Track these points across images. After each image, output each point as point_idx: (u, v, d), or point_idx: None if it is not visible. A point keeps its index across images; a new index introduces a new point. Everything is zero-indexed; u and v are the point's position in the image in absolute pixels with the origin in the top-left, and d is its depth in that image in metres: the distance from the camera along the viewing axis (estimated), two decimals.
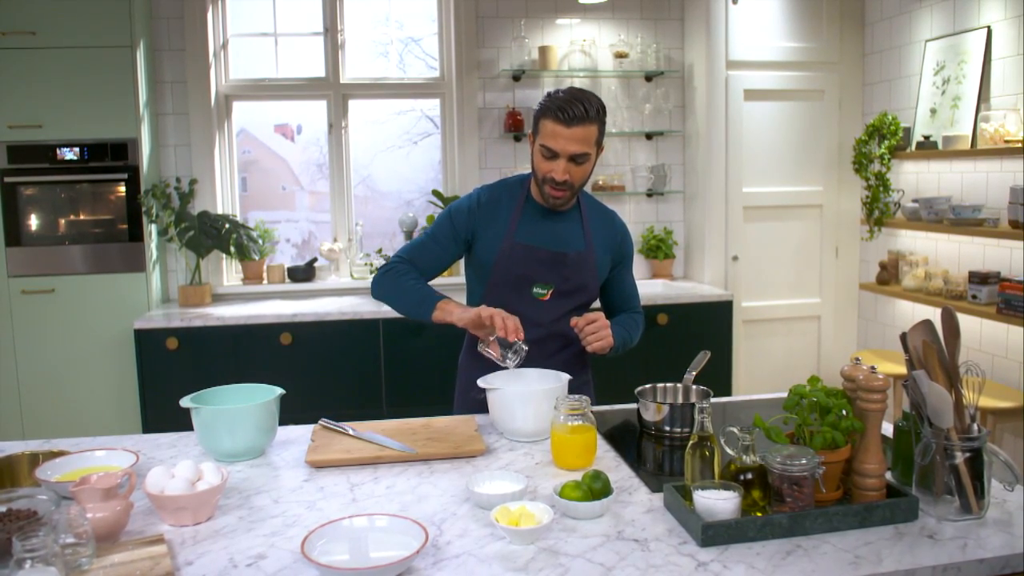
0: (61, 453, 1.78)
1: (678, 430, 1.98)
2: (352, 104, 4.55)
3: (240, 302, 4.22)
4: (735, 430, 1.52)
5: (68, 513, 1.30)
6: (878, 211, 4.29)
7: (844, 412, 1.54)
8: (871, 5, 4.51)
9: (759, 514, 1.46)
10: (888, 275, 4.31)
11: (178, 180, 4.26)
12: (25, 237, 3.88)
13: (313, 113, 4.61)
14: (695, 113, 4.55)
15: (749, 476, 1.48)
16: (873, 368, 1.56)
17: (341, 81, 4.49)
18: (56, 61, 3.78)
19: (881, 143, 4.21)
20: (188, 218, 4.07)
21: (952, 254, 4.02)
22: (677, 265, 4.78)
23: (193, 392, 1.90)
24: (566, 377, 2.00)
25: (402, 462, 1.83)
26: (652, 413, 2.01)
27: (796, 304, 4.70)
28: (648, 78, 4.61)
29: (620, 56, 4.53)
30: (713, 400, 2.17)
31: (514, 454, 1.87)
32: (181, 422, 1.98)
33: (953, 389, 1.52)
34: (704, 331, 4.10)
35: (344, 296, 4.32)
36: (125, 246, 3.96)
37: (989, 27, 3.69)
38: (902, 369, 3.83)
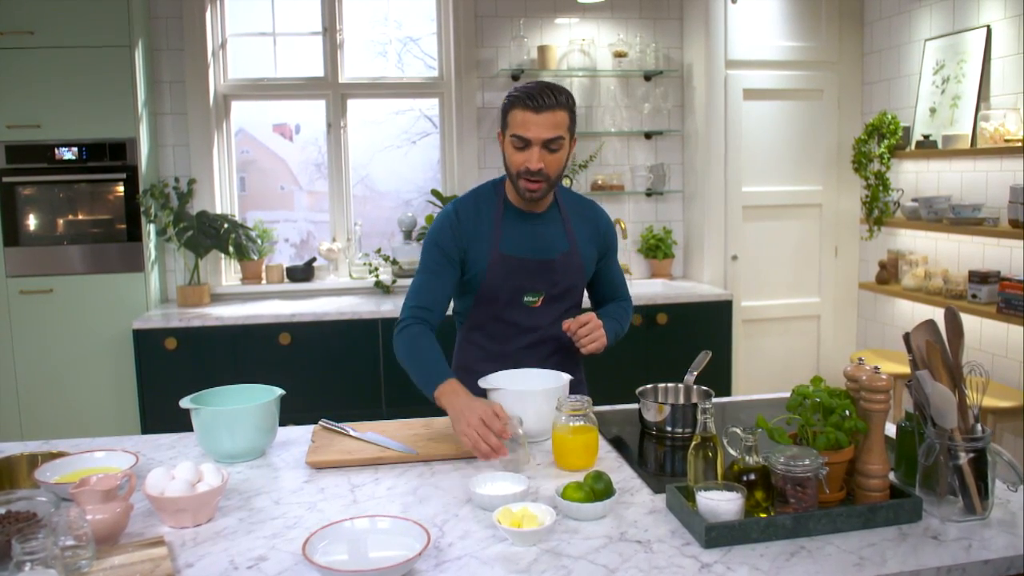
0: (60, 454, 1.77)
1: (680, 430, 1.98)
2: (351, 104, 4.54)
3: (239, 302, 4.21)
4: (738, 431, 1.51)
5: (68, 515, 1.29)
6: (877, 210, 4.28)
7: (847, 412, 1.54)
8: (870, 4, 4.51)
9: (762, 515, 1.46)
10: (888, 274, 4.31)
11: (176, 180, 4.25)
12: (23, 237, 3.86)
13: (312, 113, 4.60)
14: (694, 112, 4.55)
15: (752, 477, 1.48)
16: (876, 368, 1.56)
17: (340, 81, 4.48)
18: (54, 61, 3.77)
19: (880, 142, 4.20)
20: (187, 218, 4.06)
21: (952, 253, 4.02)
22: (676, 265, 4.77)
23: (192, 392, 1.90)
24: (567, 377, 2.00)
25: (403, 463, 1.82)
26: (654, 413, 2.00)
27: (795, 304, 4.70)
28: (647, 77, 4.61)
29: (619, 55, 4.52)
30: (713, 400, 2.17)
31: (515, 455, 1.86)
32: (180, 423, 1.97)
33: (957, 389, 1.52)
34: (703, 331, 4.09)
35: (343, 296, 4.31)
36: (123, 246, 3.95)
37: (989, 26, 3.68)
38: (902, 369, 3.83)
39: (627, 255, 4.70)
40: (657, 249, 4.65)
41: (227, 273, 4.44)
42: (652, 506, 1.57)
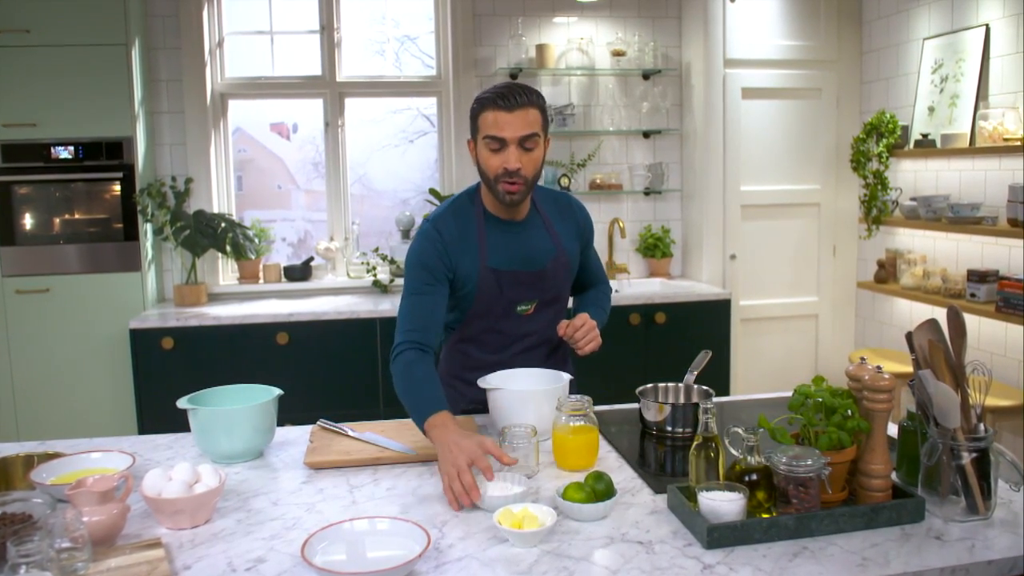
0: (56, 455, 1.76)
1: (680, 430, 1.97)
2: (348, 103, 4.52)
3: (236, 301, 4.19)
4: (740, 430, 1.51)
5: (64, 517, 1.28)
6: (876, 209, 4.28)
7: (850, 412, 1.53)
8: (869, 3, 4.50)
9: (765, 516, 1.45)
10: (886, 273, 4.30)
11: (173, 179, 4.23)
12: (20, 237, 3.85)
13: (309, 112, 4.59)
14: (693, 111, 4.54)
15: (754, 477, 1.47)
16: (879, 368, 1.55)
17: (337, 79, 4.46)
18: (50, 59, 3.75)
19: (879, 141, 4.20)
20: (184, 217, 4.05)
21: (950, 252, 4.01)
22: (675, 264, 4.77)
23: (189, 392, 1.88)
24: (567, 377, 1.99)
25: (402, 463, 1.81)
26: (654, 413, 1.99)
27: (794, 303, 4.69)
28: (646, 76, 4.60)
29: (617, 54, 4.51)
30: (714, 400, 2.16)
31: (515, 455, 1.84)
32: (177, 423, 1.96)
33: (959, 389, 1.51)
34: (702, 330, 4.09)
35: (341, 295, 4.30)
36: (120, 245, 3.93)
37: (987, 25, 3.68)
38: (901, 368, 3.83)
39: (625, 254, 4.70)
40: (655, 248, 4.64)
41: (224, 272, 4.42)
42: (653, 506, 1.56)
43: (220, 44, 4.36)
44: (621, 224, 4.48)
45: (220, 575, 1.32)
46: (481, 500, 1.54)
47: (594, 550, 1.38)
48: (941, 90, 3.94)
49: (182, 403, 1.83)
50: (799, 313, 4.70)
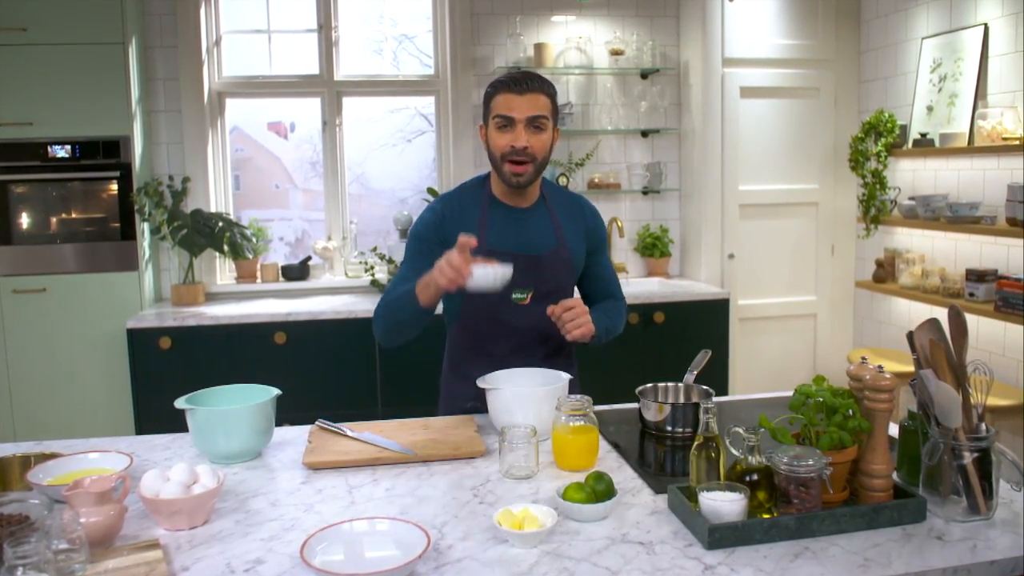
0: (53, 455, 1.75)
1: (680, 430, 1.96)
2: (346, 102, 4.51)
3: (234, 301, 4.18)
4: (740, 430, 1.50)
5: (61, 518, 1.27)
6: (874, 209, 4.28)
7: (851, 412, 1.52)
8: (867, 2, 4.50)
9: (766, 516, 1.44)
10: (884, 273, 4.30)
11: (171, 178, 4.22)
12: (16, 236, 3.83)
13: (307, 111, 4.58)
14: (691, 111, 4.53)
15: (755, 477, 1.47)
16: (880, 367, 1.54)
17: (335, 78, 4.45)
18: (47, 58, 3.74)
19: (878, 140, 4.20)
20: (181, 216, 4.03)
21: (949, 252, 4.01)
22: (673, 263, 4.76)
23: (187, 392, 1.87)
24: (567, 377, 1.98)
25: (401, 463, 1.80)
26: (654, 413, 1.99)
27: (792, 302, 4.69)
28: (644, 75, 4.59)
29: (616, 53, 4.51)
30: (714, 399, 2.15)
31: (515, 455, 1.84)
32: (175, 423, 1.95)
33: (960, 388, 1.50)
34: (700, 329, 4.08)
35: (339, 295, 4.29)
36: (117, 245, 3.92)
37: (986, 24, 3.68)
38: (900, 367, 3.82)
39: (624, 253, 4.69)
40: (654, 248, 4.64)
41: (222, 272, 4.41)
42: (654, 507, 1.56)
43: (217, 43, 4.34)
44: (619, 223, 4.48)
45: None
46: (471, 278, 1.76)
47: (594, 551, 1.37)
48: (940, 89, 3.94)
49: (180, 403, 1.82)
50: (797, 312, 4.70)
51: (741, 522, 1.39)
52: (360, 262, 4.46)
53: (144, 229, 4.01)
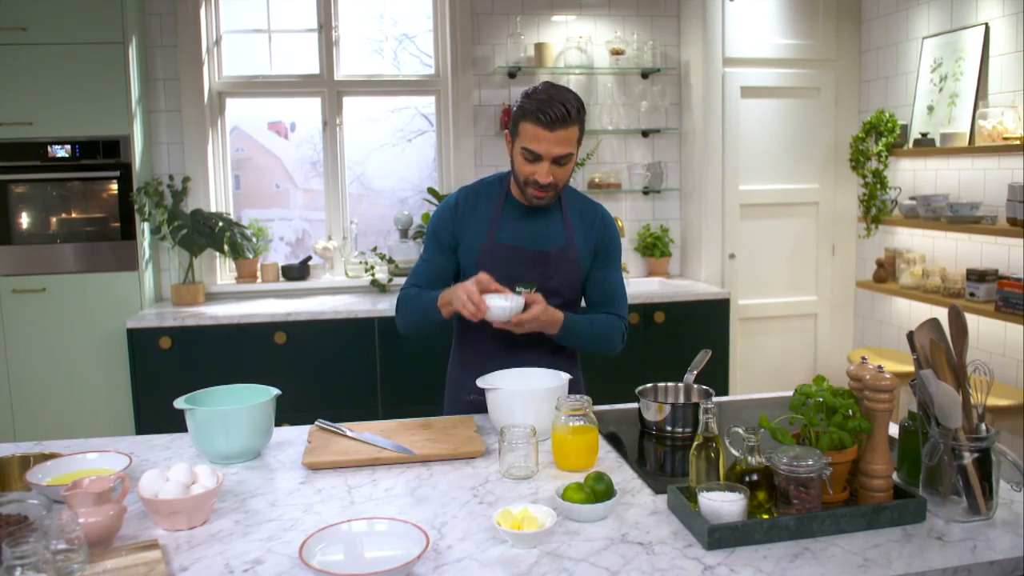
0: (53, 455, 1.74)
1: (680, 430, 1.96)
2: (346, 101, 4.51)
3: (234, 301, 4.18)
4: (740, 430, 1.50)
5: (60, 518, 1.27)
6: (875, 208, 4.27)
7: (851, 412, 1.52)
8: (868, 2, 4.50)
9: (765, 516, 1.44)
10: (885, 273, 4.30)
11: (171, 178, 4.22)
12: (16, 236, 3.83)
13: (307, 110, 4.57)
14: (691, 110, 4.53)
15: (755, 477, 1.46)
16: (880, 367, 1.54)
17: (335, 78, 4.45)
18: (47, 57, 3.73)
19: (878, 140, 4.19)
20: (181, 216, 4.03)
21: (950, 252, 4.01)
22: (673, 263, 4.76)
23: (186, 392, 1.87)
24: (567, 377, 1.98)
25: (400, 464, 1.80)
26: (654, 413, 1.99)
27: (793, 302, 4.69)
28: (644, 75, 4.59)
29: (616, 53, 4.50)
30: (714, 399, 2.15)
31: (515, 455, 1.84)
32: (175, 423, 1.95)
33: (961, 388, 1.50)
34: (701, 329, 4.08)
35: (339, 295, 4.29)
36: (117, 244, 3.92)
37: (987, 24, 3.67)
38: (900, 367, 3.82)
39: (624, 254, 4.66)
40: (654, 247, 4.63)
41: (222, 272, 4.41)
42: (653, 507, 1.55)
43: (218, 42, 4.34)
44: (620, 223, 4.47)
45: None
46: (488, 311, 1.90)
47: (594, 551, 1.37)
48: (940, 89, 3.93)
49: (179, 403, 1.82)
50: (798, 312, 4.70)
51: (741, 522, 1.38)
52: (360, 262, 4.46)
53: (144, 229, 4.01)
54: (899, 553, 1.35)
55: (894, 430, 1.86)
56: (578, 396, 1.78)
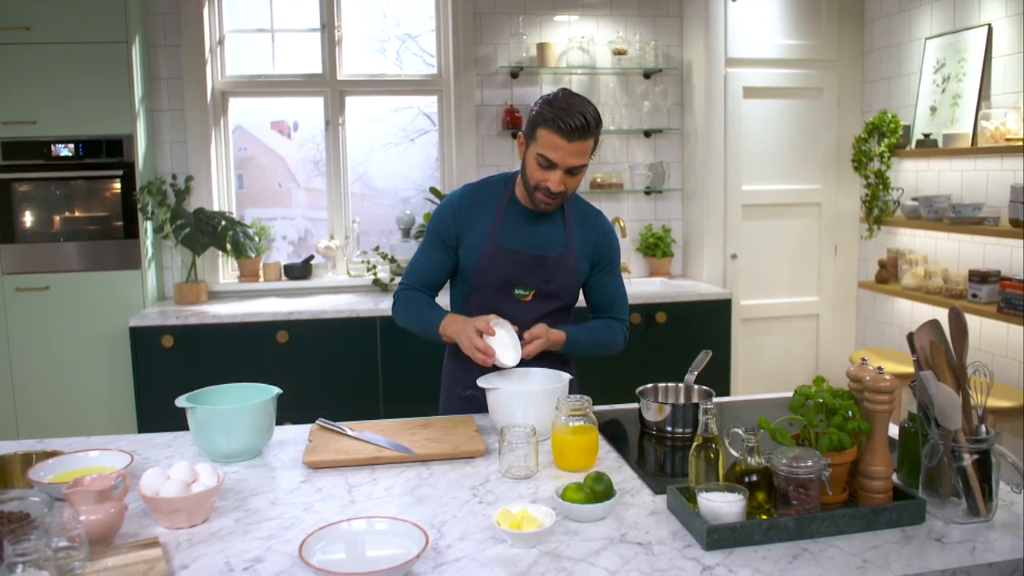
0: (55, 453, 1.75)
1: (680, 430, 1.96)
2: (349, 101, 4.52)
3: (236, 300, 4.19)
4: (740, 431, 1.50)
5: (61, 516, 1.27)
6: (877, 209, 4.27)
7: (850, 413, 1.52)
8: (870, 3, 4.49)
9: (764, 517, 1.44)
10: (887, 274, 4.30)
11: (174, 177, 4.23)
12: (19, 234, 3.84)
13: (310, 110, 4.58)
14: (694, 111, 4.53)
15: (754, 478, 1.46)
16: (880, 369, 1.54)
17: (338, 78, 4.45)
18: (51, 57, 3.74)
19: (881, 141, 4.19)
20: (184, 215, 4.04)
21: (952, 253, 4.00)
22: (675, 263, 4.76)
23: (189, 391, 1.88)
24: (567, 377, 1.98)
25: (400, 463, 1.81)
26: (654, 413, 1.99)
27: (795, 303, 4.68)
28: (647, 75, 4.59)
29: (618, 53, 4.51)
30: (714, 400, 2.15)
31: (515, 455, 1.84)
32: (177, 421, 1.96)
33: (961, 390, 1.50)
34: (702, 330, 4.08)
35: (341, 294, 4.30)
36: (120, 243, 3.93)
37: (990, 25, 3.67)
38: (902, 368, 3.82)
39: (626, 254, 4.68)
40: (656, 248, 4.63)
41: (224, 271, 4.42)
42: (653, 507, 1.56)
43: (221, 42, 4.35)
44: (622, 223, 4.47)
45: (217, 575, 1.31)
46: (496, 359, 1.96)
47: (593, 551, 1.37)
48: (943, 90, 3.93)
49: (180, 402, 1.83)
50: (800, 313, 4.70)
51: (740, 523, 1.39)
52: (362, 261, 4.47)
53: (147, 228, 4.01)
54: (898, 554, 1.35)
55: (894, 431, 1.86)
56: (578, 396, 1.79)
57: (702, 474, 1.51)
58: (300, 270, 4.41)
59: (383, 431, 1.97)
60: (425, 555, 1.34)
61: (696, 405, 1.96)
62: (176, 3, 4.15)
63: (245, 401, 1.84)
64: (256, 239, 4.29)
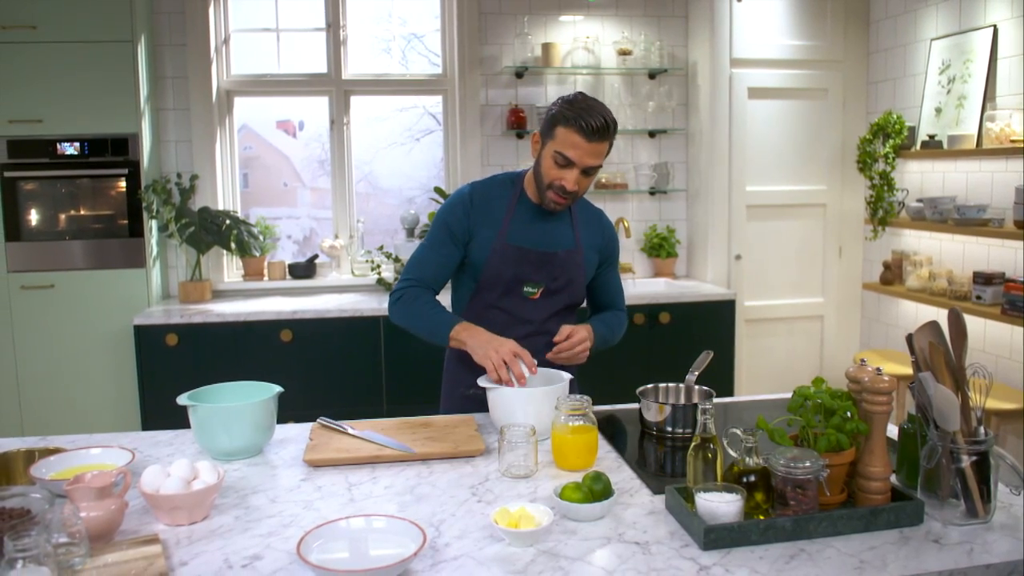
0: (57, 450, 1.76)
1: (680, 431, 1.96)
2: (354, 100, 4.53)
3: (240, 299, 4.20)
4: (738, 431, 1.50)
5: (62, 512, 1.28)
6: (882, 210, 4.26)
7: (849, 414, 1.52)
8: (876, 3, 4.48)
9: (762, 517, 1.44)
10: (892, 275, 4.29)
11: (179, 176, 4.24)
12: (25, 232, 3.86)
13: (315, 109, 4.59)
14: (698, 111, 4.53)
15: (752, 478, 1.47)
16: (879, 370, 1.54)
17: (343, 77, 4.47)
18: (57, 56, 3.76)
19: (885, 142, 4.18)
20: (189, 214, 4.06)
21: (956, 254, 3.99)
22: (680, 264, 4.76)
23: (192, 389, 1.89)
24: (567, 376, 1.99)
25: (400, 462, 1.81)
26: (654, 413, 1.99)
27: (799, 304, 4.68)
28: (651, 76, 4.59)
29: (623, 53, 4.51)
30: (715, 400, 2.15)
31: (514, 454, 1.84)
32: (180, 419, 1.97)
33: (960, 391, 1.50)
34: (706, 330, 4.08)
35: (345, 293, 4.31)
36: (125, 242, 3.95)
37: (995, 26, 3.66)
38: (905, 370, 3.81)
39: (630, 254, 4.69)
40: (660, 248, 4.63)
41: (229, 270, 4.43)
42: (651, 507, 1.56)
43: (226, 41, 4.36)
44: (626, 224, 4.47)
45: (217, 572, 1.32)
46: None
47: (591, 550, 1.38)
48: (948, 91, 3.92)
49: (182, 400, 1.83)
50: (804, 314, 4.69)
51: (737, 523, 1.39)
52: (367, 261, 4.48)
53: (152, 226, 4.03)
54: (895, 555, 1.35)
55: (894, 432, 1.86)
56: (578, 396, 1.79)
57: (700, 474, 1.51)
58: (304, 269, 4.42)
59: (384, 430, 1.97)
60: (423, 553, 1.34)
61: (696, 405, 1.96)
62: (182, 2, 4.16)
63: (246, 399, 1.85)
64: (260, 238, 4.31)
